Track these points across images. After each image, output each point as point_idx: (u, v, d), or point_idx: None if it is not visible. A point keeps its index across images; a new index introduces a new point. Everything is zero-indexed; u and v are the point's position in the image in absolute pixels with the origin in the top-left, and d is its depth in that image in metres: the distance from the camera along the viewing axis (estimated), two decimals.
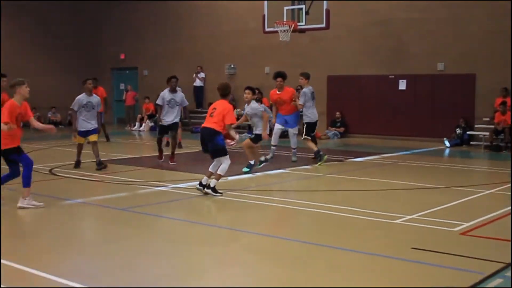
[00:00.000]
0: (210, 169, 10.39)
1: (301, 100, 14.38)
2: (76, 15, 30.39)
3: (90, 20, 30.87)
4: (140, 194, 10.93)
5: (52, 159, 15.15)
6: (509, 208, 9.11)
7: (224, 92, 10.54)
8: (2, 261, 6.33)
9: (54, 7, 29.48)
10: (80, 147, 13.85)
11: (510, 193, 10.28)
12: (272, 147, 14.40)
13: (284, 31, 17.76)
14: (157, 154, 14.75)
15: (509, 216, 8.56)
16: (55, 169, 13.60)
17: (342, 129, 22.80)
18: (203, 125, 10.40)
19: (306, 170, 13.79)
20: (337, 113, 22.97)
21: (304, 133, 14.59)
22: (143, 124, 26.91)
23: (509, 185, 11.24)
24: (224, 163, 10.21)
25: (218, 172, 10.21)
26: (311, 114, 14.56)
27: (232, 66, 25.67)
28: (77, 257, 6.76)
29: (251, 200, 10.07)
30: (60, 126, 28.70)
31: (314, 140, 14.98)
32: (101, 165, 13.46)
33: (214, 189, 10.17)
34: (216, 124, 10.17)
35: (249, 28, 24.22)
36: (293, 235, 7.79)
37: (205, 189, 10.24)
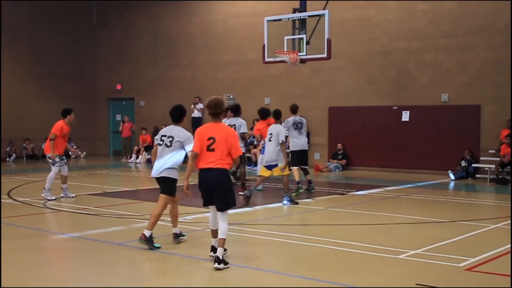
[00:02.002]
0: (214, 227, 7.96)
1: None
2: (72, 44, 30.30)
3: (86, 49, 30.81)
4: (136, 228, 10.62)
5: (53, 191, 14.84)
6: None
7: (218, 109, 7.81)
8: None
9: (50, 36, 29.40)
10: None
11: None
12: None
13: (291, 63, 17.58)
14: (153, 187, 14.50)
15: None
16: (49, 202, 13.30)
17: (344, 162, 22.50)
18: (203, 165, 7.67)
19: (307, 203, 13.52)
20: (339, 145, 22.69)
21: (290, 162, 14.71)
22: (140, 156, 26.64)
23: None
24: (225, 219, 7.72)
25: (222, 237, 7.56)
26: (292, 142, 14.92)
27: (231, 96, 25.50)
28: None
29: (250, 234, 9.79)
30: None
31: (306, 172, 15.30)
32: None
33: (223, 261, 7.46)
34: (222, 162, 7.61)
35: (249, 58, 24.14)
36: (293, 270, 7.53)
37: (215, 264, 7.44)
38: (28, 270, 7.72)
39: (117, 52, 30.01)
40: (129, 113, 29.06)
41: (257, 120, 16.82)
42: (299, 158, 15.00)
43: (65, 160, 14.23)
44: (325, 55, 17.53)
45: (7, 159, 27.25)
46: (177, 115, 9.01)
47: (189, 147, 8.42)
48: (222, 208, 7.68)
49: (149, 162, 25.29)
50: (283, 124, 14.49)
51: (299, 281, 7.05)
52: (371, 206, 13.04)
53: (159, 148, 8.86)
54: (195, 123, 26.30)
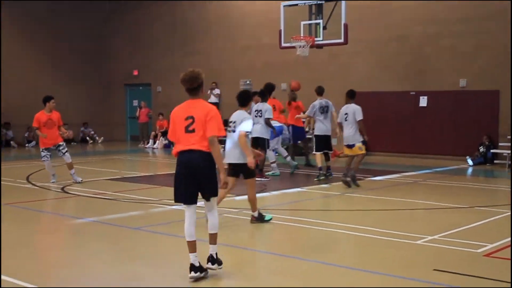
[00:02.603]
0: (191, 238, 6.59)
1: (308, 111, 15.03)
2: (90, 30, 30.38)
3: (103, 35, 30.84)
4: (153, 213, 10.69)
5: (64, 177, 14.94)
6: None
7: (194, 84, 6.74)
8: (4, 277, 6.25)
9: (68, 23, 29.48)
10: None
11: None
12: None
13: (302, 46, 17.50)
14: (169, 172, 14.56)
15: None
16: (67, 187, 13.40)
17: None
18: (182, 147, 6.55)
19: (324, 188, 13.52)
20: None
21: (314, 147, 14.72)
22: (157, 142, 26.72)
23: None
24: (215, 209, 6.74)
25: (213, 231, 6.67)
26: (317, 127, 14.77)
27: (248, 82, 25.44)
28: (86, 276, 6.57)
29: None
30: (72, 143, 28.62)
31: (327, 158, 15.00)
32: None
33: (218, 260, 6.62)
34: (205, 144, 6.49)
35: (265, 43, 24.03)
36: (310, 255, 7.51)
37: (208, 263, 6.60)
38: (45, 253, 7.81)
39: (134, 38, 30.01)
40: (146, 98, 29.11)
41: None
42: (323, 143, 14.78)
43: (62, 151, 14.09)
44: (342, 40, 17.43)
45: (26, 144, 27.46)
46: (243, 99, 9.60)
47: (241, 127, 9.06)
48: (210, 194, 6.61)
49: (166, 148, 25.43)
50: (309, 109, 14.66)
51: (311, 265, 7.04)
52: (388, 192, 12.99)
53: (229, 134, 9.31)
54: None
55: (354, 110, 13.56)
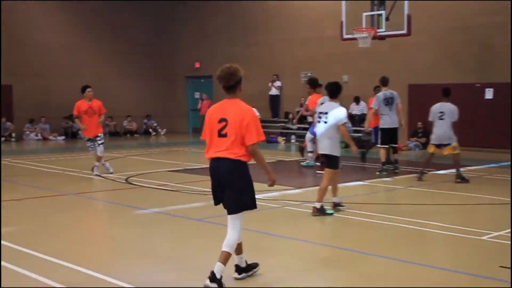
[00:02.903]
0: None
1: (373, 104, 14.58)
2: (152, 23, 30.82)
3: (165, 28, 31.20)
4: None
5: (128, 168, 15.23)
6: None
7: (230, 81, 6.11)
8: (71, 266, 6.44)
9: (131, 15, 29.99)
10: None
11: None
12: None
13: (363, 37, 17.32)
14: None
15: None
16: (131, 178, 13.64)
17: (423, 140, 22.03)
18: (212, 154, 5.98)
19: (386, 182, 13.36)
20: (419, 123, 22.22)
21: (379, 140, 14.50)
22: None
23: None
24: (236, 227, 5.97)
25: (225, 249, 5.86)
26: (382, 120, 14.39)
27: (308, 74, 25.33)
28: (150, 267, 6.66)
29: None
30: (135, 134, 29.15)
31: (394, 151, 14.65)
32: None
33: (219, 281, 5.71)
34: (236, 151, 5.86)
35: (327, 35, 23.87)
36: (374, 249, 7.45)
37: (207, 281, 5.72)
38: (107, 243, 7.97)
39: (196, 31, 30.26)
40: (207, 91, 29.33)
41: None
42: (389, 136, 14.39)
43: (98, 142, 14.12)
44: (404, 31, 17.20)
45: None
46: (333, 91, 9.72)
47: (337, 120, 9.29)
48: (231, 209, 5.94)
49: None
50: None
51: (375, 260, 6.98)
52: (452, 186, 12.75)
53: (319, 125, 9.55)
54: (273, 101, 26.36)
55: (451, 110, 13.33)
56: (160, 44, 31.04)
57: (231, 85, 6.02)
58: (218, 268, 5.74)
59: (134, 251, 7.47)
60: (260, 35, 27.48)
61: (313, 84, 15.04)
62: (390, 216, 9.34)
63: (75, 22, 28.42)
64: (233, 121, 5.82)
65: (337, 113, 9.39)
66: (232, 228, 5.93)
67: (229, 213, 5.96)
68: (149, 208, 10.08)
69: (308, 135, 15.15)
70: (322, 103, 14.42)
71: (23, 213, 9.94)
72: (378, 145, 14.76)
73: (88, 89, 14.48)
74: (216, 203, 6.16)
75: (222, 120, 5.89)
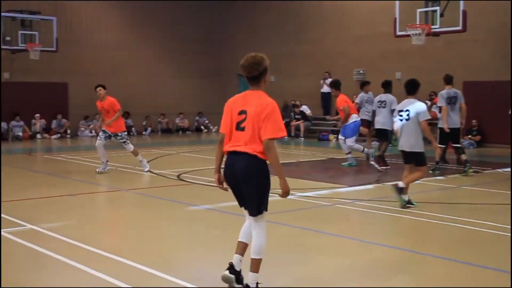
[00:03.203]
0: (242, 239, 5.69)
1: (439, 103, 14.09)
2: (203, 21, 31.01)
3: (217, 26, 31.36)
4: (273, 202, 10.72)
5: (180, 165, 15.35)
6: None
7: (253, 72, 5.62)
8: (127, 262, 6.46)
9: (183, 13, 30.27)
10: None
11: None
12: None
13: (417, 34, 17.07)
14: (284, 161, 14.63)
15: None
16: (183, 174, 13.75)
17: (478, 138, 21.62)
18: (229, 147, 5.50)
19: (440, 181, 13.12)
20: (473, 121, 21.79)
21: (438, 139, 14.02)
22: None
23: None
24: (262, 230, 5.52)
25: (255, 256, 5.44)
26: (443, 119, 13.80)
27: (361, 71, 25.13)
28: (209, 265, 6.69)
29: (381, 211, 9.64)
30: (187, 132, 29.41)
31: (461, 151, 14.19)
32: None
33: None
34: (254, 146, 5.35)
35: (379, 32, 23.62)
36: (429, 249, 7.32)
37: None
38: (164, 239, 8.04)
39: (248, 28, 30.32)
40: None
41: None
42: (449, 136, 13.86)
43: (120, 141, 14.30)
44: (460, 28, 16.91)
45: (143, 132, 28.54)
46: (411, 87, 9.76)
47: (422, 117, 9.32)
48: (253, 211, 5.45)
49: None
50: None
51: (432, 260, 6.84)
52: (508, 186, 12.43)
53: (400, 123, 9.59)
54: (325, 99, 26.21)
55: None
56: (212, 42, 31.22)
57: (254, 75, 5.54)
58: (251, 278, 5.40)
59: (191, 249, 7.51)
60: (312, 32, 27.37)
61: (337, 86, 14.92)
62: (447, 216, 9.14)
63: (128, 21, 28.91)
64: (252, 114, 5.33)
65: (420, 108, 9.45)
66: (257, 231, 5.45)
67: (252, 215, 5.44)
68: (202, 205, 10.13)
69: (341, 138, 15.02)
70: (379, 101, 14.44)
71: (78, 208, 10.12)
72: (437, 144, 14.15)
73: (98, 88, 14.23)
74: (241, 204, 5.59)
75: (242, 112, 5.44)
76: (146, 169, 14.21)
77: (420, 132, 9.48)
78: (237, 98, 5.61)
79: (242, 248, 5.57)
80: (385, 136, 14.79)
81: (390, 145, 15.89)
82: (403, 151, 9.75)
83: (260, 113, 5.28)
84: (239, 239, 5.60)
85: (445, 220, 8.90)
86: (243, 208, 5.57)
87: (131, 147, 14.27)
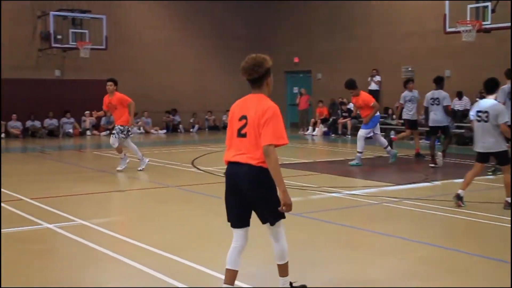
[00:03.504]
0: (230, 266, 5.24)
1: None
2: (250, 18, 31.09)
3: (264, 23, 31.40)
4: (313, 200, 10.74)
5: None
6: None
7: (253, 74, 5.20)
8: (175, 258, 6.52)
9: (228, 9, 30.40)
10: None
11: None
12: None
13: (467, 31, 16.79)
14: (328, 159, 14.56)
15: None
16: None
17: None
18: (229, 157, 5.16)
19: (488, 180, 12.85)
20: None
21: None
22: (316, 129, 26.82)
23: None
24: (282, 235, 5.31)
25: (280, 262, 5.32)
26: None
27: (409, 69, 24.82)
28: (260, 265, 6.67)
29: (429, 210, 9.50)
30: None
31: None
32: None
33: None
34: (256, 155, 4.98)
35: (428, 28, 23.30)
36: (476, 249, 7.18)
37: None
38: (208, 236, 8.09)
39: (294, 25, 30.27)
40: (306, 85, 29.31)
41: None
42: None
43: (112, 131, 14.13)
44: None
45: (191, 129, 28.80)
46: (490, 87, 9.53)
47: (502, 119, 9.05)
48: (271, 219, 5.19)
49: (326, 135, 25.53)
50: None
51: (478, 261, 6.73)
52: None
53: (478, 124, 9.36)
54: (373, 96, 25.90)
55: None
56: (258, 39, 31.23)
57: (255, 78, 5.12)
58: (282, 282, 5.29)
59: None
60: (359, 29, 27.15)
61: (353, 84, 14.80)
62: (492, 215, 8.97)
63: (175, 19, 29.21)
64: (253, 119, 4.96)
65: (499, 110, 9.19)
66: (277, 239, 5.24)
67: (271, 223, 5.18)
68: None
69: (361, 132, 14.85)
70: (432, 98, 14.15)
71: (127, 204, 10.26)
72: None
73: (109, 83, 13.83)
74: (235, 224, 5.22)
75: (242, 118, 5.05)
76: (121, 168, 13.88)
77: (500, 132, 9.23)
78: (238, 104, 5.26)
79: (231, 277, 5.16)
80: (446, 132, 14.63)
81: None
82: (479, 153, 9.53)
83: (261, 117, 4.92)
84: (227, 266, 5.17)
85: (496, 220, 8.73)
86: (236, 229, 5.23)
87: (115, 143, 13.74)
